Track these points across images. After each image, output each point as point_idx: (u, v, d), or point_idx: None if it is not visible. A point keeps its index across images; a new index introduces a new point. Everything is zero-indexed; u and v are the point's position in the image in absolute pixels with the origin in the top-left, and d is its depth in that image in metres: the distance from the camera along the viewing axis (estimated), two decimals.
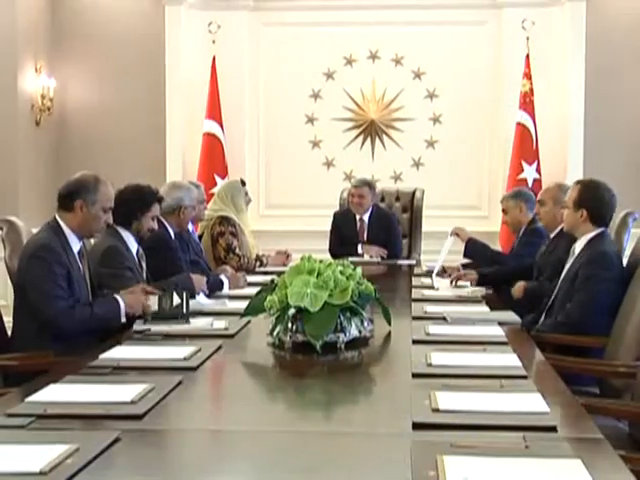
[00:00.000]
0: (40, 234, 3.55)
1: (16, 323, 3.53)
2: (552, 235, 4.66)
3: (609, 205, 3.94)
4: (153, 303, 3.51)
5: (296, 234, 7.46)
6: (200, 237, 5.64)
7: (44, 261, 3.40)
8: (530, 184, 7.21)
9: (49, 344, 3.37)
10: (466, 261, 5.47)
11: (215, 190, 6.48)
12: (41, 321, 3.40)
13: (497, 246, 7.37)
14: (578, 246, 3.93)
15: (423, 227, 6.97)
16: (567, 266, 3.98)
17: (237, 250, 5.52)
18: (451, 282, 4.76)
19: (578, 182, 4.11)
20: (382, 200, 7.01)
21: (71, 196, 3.53)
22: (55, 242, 3.46)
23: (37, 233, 3.61)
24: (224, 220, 5.59)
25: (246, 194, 5.86)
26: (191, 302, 3.65)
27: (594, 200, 3.91)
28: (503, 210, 5.29)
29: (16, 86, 7.19)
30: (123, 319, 3.50)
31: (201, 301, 4.06)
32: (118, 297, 3.51)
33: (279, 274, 3.35)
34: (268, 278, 4.37)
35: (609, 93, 7.57)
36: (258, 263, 5.62)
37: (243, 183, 5.91)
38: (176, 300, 3.56)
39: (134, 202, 4.02)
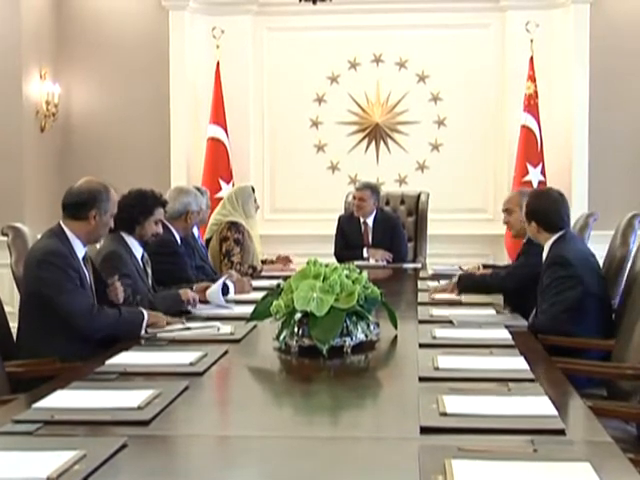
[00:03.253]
0: (45, 241, 3.54)
1: (22, 329, 3.53)
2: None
3: (557, 211, 3.95)
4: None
5: (301, 238, 7.46)
6: (208, 241, 5.65)
7: (56, 265, 3.40)
8: (535, 186, 7.19)
9: (55, 349, 3.37)
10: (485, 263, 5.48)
11: (224, 194, 6.48)
12: (62, 321, 3.39)
13: (502, 250, 7.39)
14: (544, 254, 3.95)
15: (428, 230, 6.95)
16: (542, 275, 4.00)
17: (233, 257, 5.51)
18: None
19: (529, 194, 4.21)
20: (387, 203, 7.01)
21: (85, 206, 3.52)
22: (62, 248, 3.46)
23: (40, 240, 3.60)
24: (232, 226, 5.59)
25: (255, 201, 5.87)
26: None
27: (538, 211, 3.97)
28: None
29: (21, 92, 7.20)
30: (142, 332, 3.50)
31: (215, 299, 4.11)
32: (144, 311, 3.55)
33: (285, 278, 3.35)
34: (274, 283, 4.37)
35: (613, 95, 7.56)
36: (251, 270, 5.57)
37: (253, 190, 5.92)
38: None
39: (136, 207, 4.03)
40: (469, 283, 4.51)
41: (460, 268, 5.39)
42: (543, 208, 3.96)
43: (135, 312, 3.55)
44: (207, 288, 4.24)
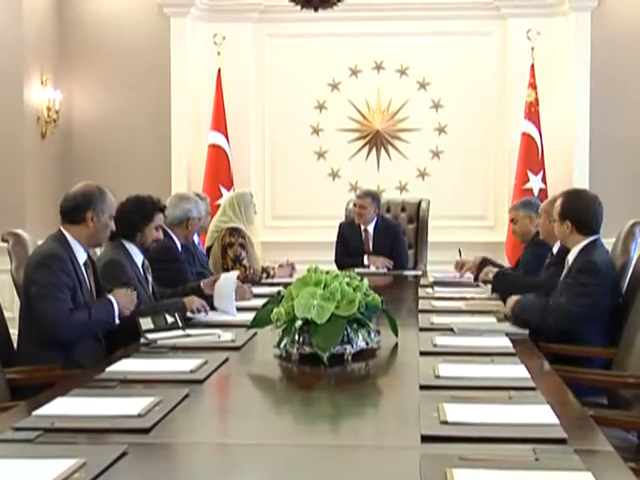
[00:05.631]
0: (46, 245, 3.55)
1: (22, 335, 3.53)
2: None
3: (593, 212, 3.91)
4: (146, 323, 3.52)
5: (302, 245, 7.46)
6: (209, 248, 5.65)
7: (50, 268, 3.40)
8: (536, 194, 7.20)
9: (54, 355, 3.37)
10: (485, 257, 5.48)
11: (223, 201, 6.47)
12: (39, 325, 3.38)
13: (503, 257, 7.37)
14: (571, 257, 3.92)
15: (429, 238, 6.95)
16: (562, 277, 3.97)
17: (244, 261, 5.52)
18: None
19: (562, 194, 4.11)
20: (388, 211, 7.01)
21: (80, 209, 3.54)
22: (62, 252, 3.47)
23: (42, 245, 3.62)
24: (234, 231, 5.59)
25: (254, 206, 5.87)
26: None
27: (577, 210, 3.90)
28: (511, 220, 5.24)
29: (22, 98, 7.20)
30: (117, 320, 3.53)
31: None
32: (112, 298, 3.54)
33: (286, 286, 3.35)
34: (274, 290, 4.37)
35: (614, 103, 7.57)
36: (265, 275, 5.62)
37: (251, 195, 5.93)
38: (170, 319, 3.61)
39: (135, 214, 4.03)
40: (505, 287, 4.44)
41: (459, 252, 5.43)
42: (580, 208, 3.90)
43: (103, 304, 3.54)
44: (215, 281, 4.25)
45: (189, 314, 3.98)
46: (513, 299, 3.97)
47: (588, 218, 3.89)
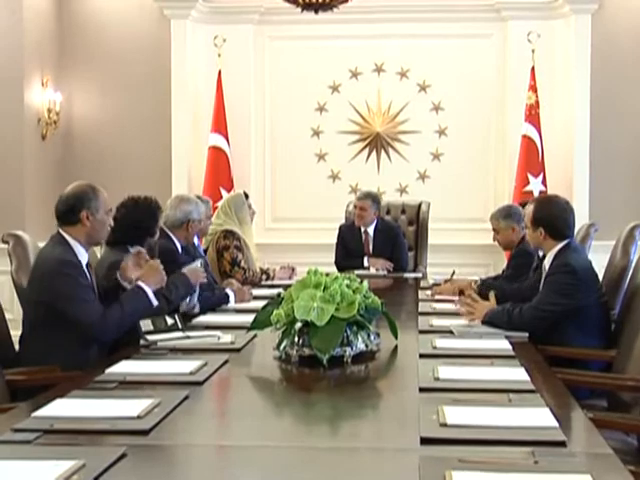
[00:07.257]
0: (54, 250, 3.49)
1: (27, 338, 3.51)
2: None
3: (563, 218, 3.91)
4: (146, 324, 3.52)
5: (302, 247, 7.46)
6: (205, 251, 5.64)
7: (70, 276, 3.40)
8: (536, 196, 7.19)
9: (59, 359, 3.36)
10: (479, 278, 5.43)
11: (219, 204, 6.48)
12: (68, 331, 3.37)
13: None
14: (547, 262, 3.93)
15: (429, 240, 6.95)
16: (541, 283, 3.98)
17: (242, 263, 5.51)
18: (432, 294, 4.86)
19: (533, 201, 4.14)
20: (388, 213, 7.01)
21: (74, 209, 3.53)
22: (74, 258, 3.46)
23: (48, 250, 3.56)
24: (229, 234, 5.59)
25: (249, 207, 5.86)
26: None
27: (548, 217, 3.91)
28: (494, 229, 5.21)
29: (22, 100, 7.21)
30: (155, 302, 3.53)
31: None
32: (141, 284, 3.53)
33: (285, 287, 3.35)
34: (274, 292, 4.37)
35: (615, 105, 7.57)
36: (264, 276, 5.62)
37: (246, 196, 5.90)
38: (169, 321, 3.60)
39: (148, 221, 4.06)
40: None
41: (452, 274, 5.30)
42: (550, 215, 3.91)
43: (134, 293, 3.52)
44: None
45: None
46: (486, 307, 3.92)
47: (560, 224, 3.90)
